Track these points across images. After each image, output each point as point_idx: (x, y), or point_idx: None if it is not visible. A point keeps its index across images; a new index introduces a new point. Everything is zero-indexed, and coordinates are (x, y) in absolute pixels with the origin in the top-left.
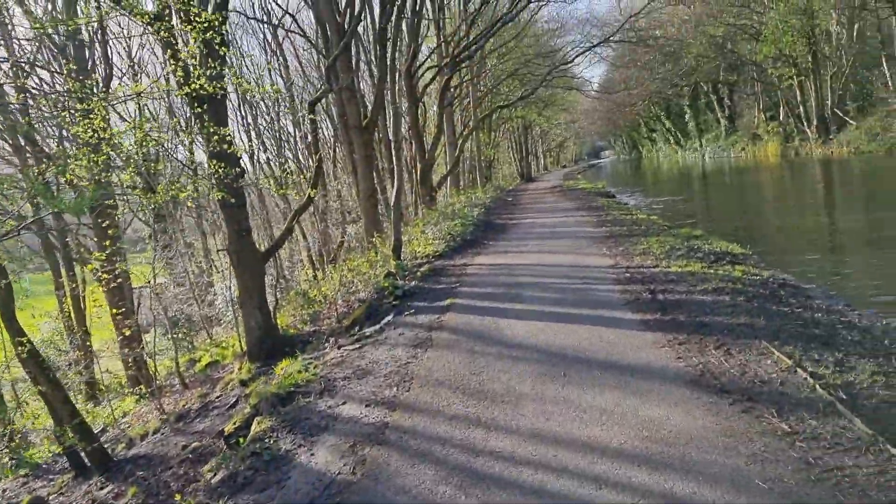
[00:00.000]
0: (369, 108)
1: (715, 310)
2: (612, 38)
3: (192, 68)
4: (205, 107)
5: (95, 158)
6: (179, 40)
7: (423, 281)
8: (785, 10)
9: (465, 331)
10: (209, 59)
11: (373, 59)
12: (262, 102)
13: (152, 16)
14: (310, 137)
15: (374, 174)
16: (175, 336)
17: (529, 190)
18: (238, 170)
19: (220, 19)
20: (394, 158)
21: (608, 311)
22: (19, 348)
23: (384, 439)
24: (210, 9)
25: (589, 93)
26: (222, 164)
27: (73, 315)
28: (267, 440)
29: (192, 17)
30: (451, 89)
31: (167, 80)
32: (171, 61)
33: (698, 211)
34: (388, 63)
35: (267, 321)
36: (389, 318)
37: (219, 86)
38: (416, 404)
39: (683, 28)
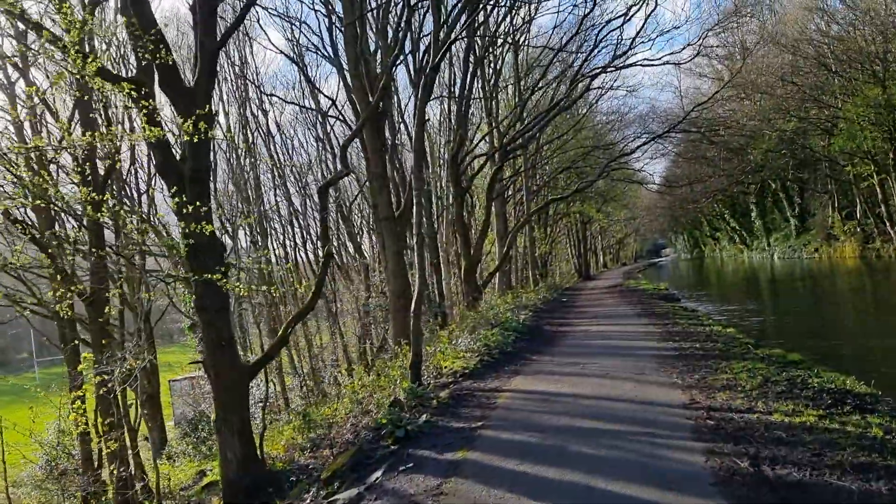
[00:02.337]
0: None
1: None
2: (675, 129)
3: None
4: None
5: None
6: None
7: (438, 413)
8: (862, 103)
9: None
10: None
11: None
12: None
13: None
14: (319, 227)
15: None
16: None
17: (587, 289)
18: (220, 267)
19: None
20: (415, 255)
21: (690, 497)
22: None
23: None
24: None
25: (650, 186)
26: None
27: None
28: None
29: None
30: (502, 180)
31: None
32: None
33: (782, 324)
34: (427, 148)
35: (247, 451)
36: (378, 474)
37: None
38: None
39: (750, 123)
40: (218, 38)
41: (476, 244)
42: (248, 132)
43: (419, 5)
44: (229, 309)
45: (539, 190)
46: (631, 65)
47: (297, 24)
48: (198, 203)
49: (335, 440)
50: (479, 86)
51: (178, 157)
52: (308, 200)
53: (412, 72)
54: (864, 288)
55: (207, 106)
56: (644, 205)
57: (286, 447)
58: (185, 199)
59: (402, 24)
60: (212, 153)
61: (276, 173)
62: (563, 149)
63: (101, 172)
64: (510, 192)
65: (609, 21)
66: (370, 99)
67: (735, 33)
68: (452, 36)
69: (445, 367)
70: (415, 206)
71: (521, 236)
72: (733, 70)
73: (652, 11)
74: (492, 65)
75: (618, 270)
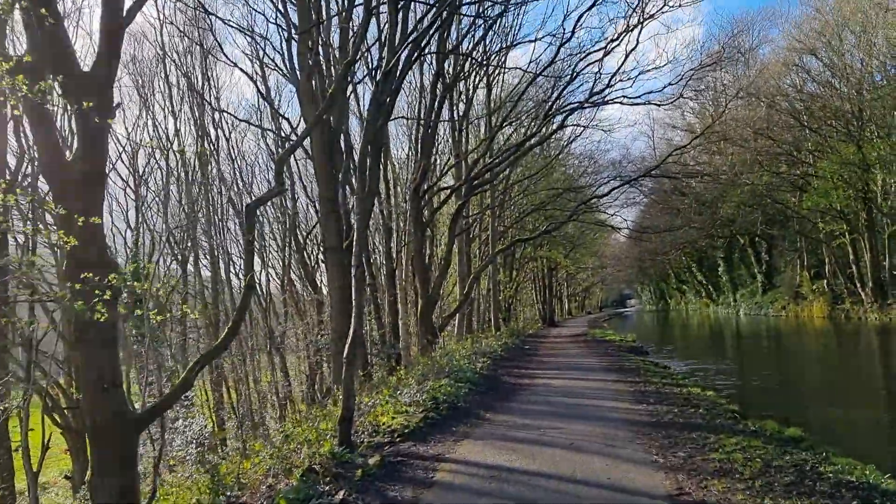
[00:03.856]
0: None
1: None
2: (650, 174)
3: None
4: None
5: None
6: None
7: (360, 490)
8: (836, 161)
9: None
10: None
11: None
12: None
13: None
14: (244, 252)
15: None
16: None
17: (551, 337)
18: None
19: None
20: (353, 291)
21: None
22: None
23: None
24: None
25: (621, 231)
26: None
27: None
28: None
29: None
30: (467, 217)
31: None
32: None
33: (762, 388)
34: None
35: None
36: None
37: None
38: None
39: (723, 177)
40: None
41: (435, 283)
42: (204, 152)
43: (379, 9)
44: (118, 343)
45: (506, 231)
46: (608, 101)
47: (260, 39)
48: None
49: None
50: (449, 116)
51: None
52: (266, 228)
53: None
54: (840, 350)
55: (108, 94)
56: (612, 254)
57: None
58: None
59: (360, 30)
60: (166, 176)
61: (233, 199)
62: (533, 189)
63: None
64: (476, 232)
65: (588, 54)
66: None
67: (710, 84)
68: (413, 43)
69: (384, 424)
70: (355, 235)
71: (484, 278)
72: (705, 124)
73: (633, 49)
74: (462, 95)
75: (583, 318)
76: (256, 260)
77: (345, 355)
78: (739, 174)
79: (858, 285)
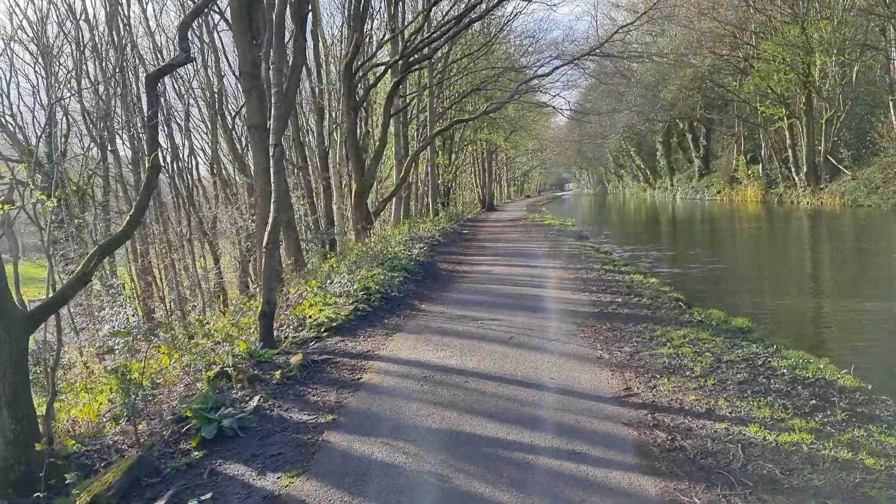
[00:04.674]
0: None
1: None
2: (593, 53)
3: None
4: None
5: None
6: None
7: (278, 395)
8: (779, 43)
9: None
10: None
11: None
12: None
13: None
14: (147, 129)
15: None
16: None
17: (490, 221)
18: None
19: None
20: (272, 173)
21: None
22: None
23: None
24: None
25: (562, 113)
26: None
27: None
28: None
29: None
30: (403, 96)
31: None
32: None
33: (704, 273)
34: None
35: (23, 430)
36: None
37: None
38: None
39: (666, 59)
40: None
41: (370, 166)
42: (117, 24)
43: None
44: None
45: (445, 112)
46: None
47: None
48: None
49: (161, 408)
50: None
51: None
52: (195, 111)
53: None
54: (773, 234)
55: None
56: (552, 136)
57: (98, 415)
58: None
59: None
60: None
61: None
62: (473, 69)
63: None
64: (413, 113)
65: None
66: None
67: None
68: None
69: (311, 317)
70: (272, 111)
71: (422, 161)
72: (649, 4)
73: None
74: None
75: (522, 202)
76: (183, 142)
77: (264, 243)
78: (683, 56)
79: (793, 170)
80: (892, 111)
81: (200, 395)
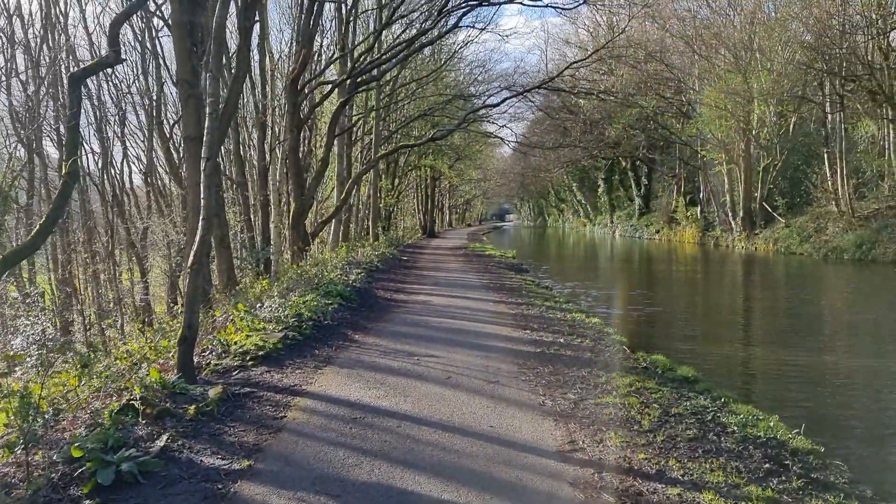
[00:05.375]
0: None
1: None
2: (543, 86)
3: None
4: None
5: None
6: None
7: (190, 433)
8: (721, 90)
9: None
10: None
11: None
12: None
13: None
14: (66, 132)
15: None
16: None
17: (430, 248)
18: None
19: None
20: (202, 188)
21: None
22: None
23: None
24: None
25: (508, 144)
26: None
27: None
28: None
29: None
30: (349, 118)
31: None
32: None
33: (646, 315)
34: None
35: None
36: None
37: None
38: None
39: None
40: None
41: (310, 185)
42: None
43: None
44: None
45: (391, 135)
46: (508, 1)
47: None
48: None
49: (63, 436)
50: (336, 6)
51: None
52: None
53: None
54: (710, 277)
55: None
56: (496, 167)
57: None
58: None
59: None
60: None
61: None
62: (421, 94)
63: None
64: (358, 135)
65: None
66: None
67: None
68: None
69: (236, 344)
70: (207, 122)
71: (365, 184)
72: (598, 43)
73: None
74: None
75: (463, 230)
76: (118, 150)
77: (189, 263)
78: (630, 95)
79: (730, 214)
80: (826, 163)
81: (99, 433)
